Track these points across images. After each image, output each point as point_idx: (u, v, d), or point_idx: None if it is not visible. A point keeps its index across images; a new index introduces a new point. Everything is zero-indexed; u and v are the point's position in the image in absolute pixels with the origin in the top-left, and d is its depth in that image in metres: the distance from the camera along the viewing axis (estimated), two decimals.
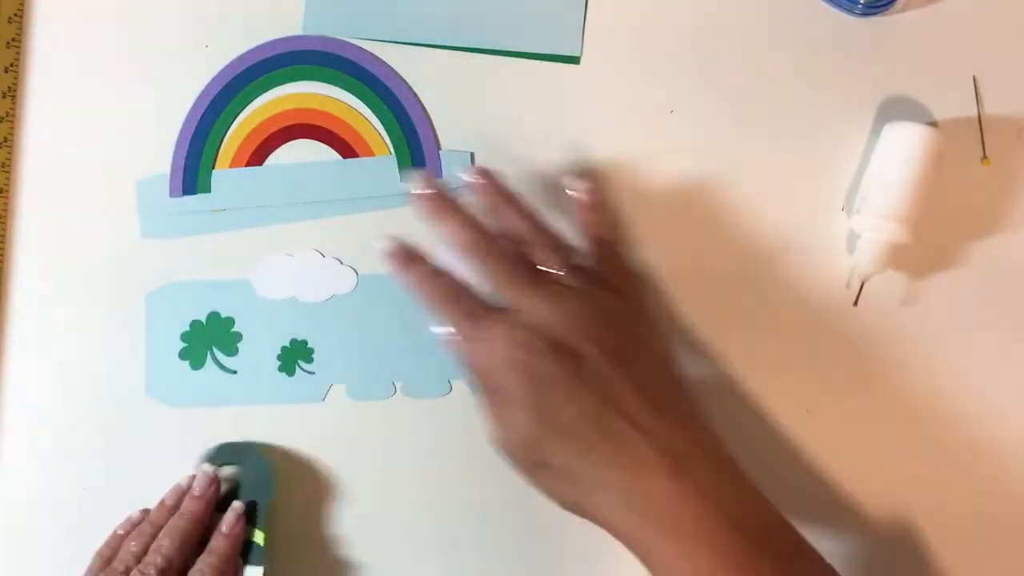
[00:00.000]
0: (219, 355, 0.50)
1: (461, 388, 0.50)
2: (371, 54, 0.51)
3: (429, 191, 0.45)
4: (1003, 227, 0.49)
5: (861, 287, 0.49)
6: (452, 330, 0.42)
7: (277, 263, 0.51)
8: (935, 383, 0.49)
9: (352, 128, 0.51)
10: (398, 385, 0.50)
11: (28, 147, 0.52)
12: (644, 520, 0.39)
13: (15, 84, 0.52)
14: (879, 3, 0.49)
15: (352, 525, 0.50)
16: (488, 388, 0.41)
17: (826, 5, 0.50)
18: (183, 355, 0.50)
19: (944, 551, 0.49)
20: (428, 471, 0.50)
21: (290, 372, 0.50)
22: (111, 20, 0.52)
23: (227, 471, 0.49)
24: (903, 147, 0.47)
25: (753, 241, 0.50)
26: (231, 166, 0.50)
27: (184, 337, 0.50)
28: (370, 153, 0.51)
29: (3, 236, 0.51)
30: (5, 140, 0.52)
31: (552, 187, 0.50)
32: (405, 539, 0.49)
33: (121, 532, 0.48)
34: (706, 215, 0.50)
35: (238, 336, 0.50)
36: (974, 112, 0.50)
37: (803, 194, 0.50)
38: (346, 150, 0.51)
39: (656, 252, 0.50)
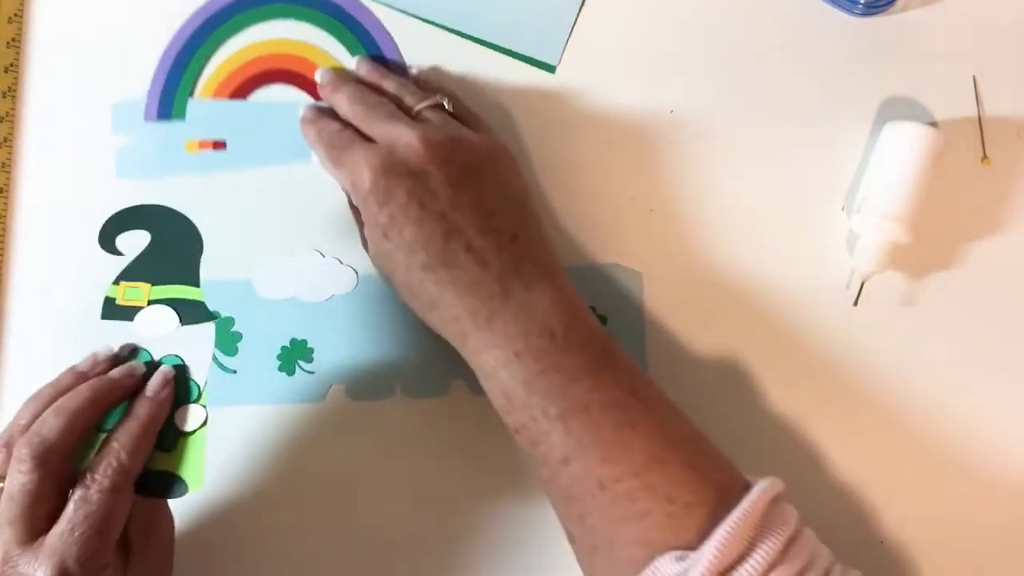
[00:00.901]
0: (219, 355, 0.50)
1: (460, 388, 0.50)
2: (359, 3, 0.52)
3: (328, 79, 0.50)
4: (1003, 227, 0.49)
5: (861, 287, 0.49)
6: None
7: (277, 263, 0.51)
8: (935, 383, 0.49)
9: None
10: (397, 385, 0.50)
11: (28, 147, 0.52)
12: (468, 332, 0.43)
13: (15, 84, 0.52)
14: (879, 3, 0.49)
15: (351, 524, 0.50)
16: (355, 209, 0.47)
17: (826, 5, 0.50)
18: None
19: (943, 550, 0.49)
20: (427, 471, 0.50)
21: (290, 372, 0.50)
22: (111, 19, 0.52)
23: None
24: (903, 147, 0.47)
25: (753, 241, 0.50)
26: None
27: None
28: None
29: (3, 236, 0.51)
30: (5, 140, 0.52)
31: None
32: (404, 538, 0.49)
33: (44, 395, 0.45)
34: (706, 215, 0.50)
35: (238, 336, 0.50)
36: (974, 112, 0.50)
37: (803, 194, 0.50)
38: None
39: (655, 252, 0.50)
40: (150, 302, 0.47)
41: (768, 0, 0.51)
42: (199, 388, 0.46)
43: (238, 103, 0.51)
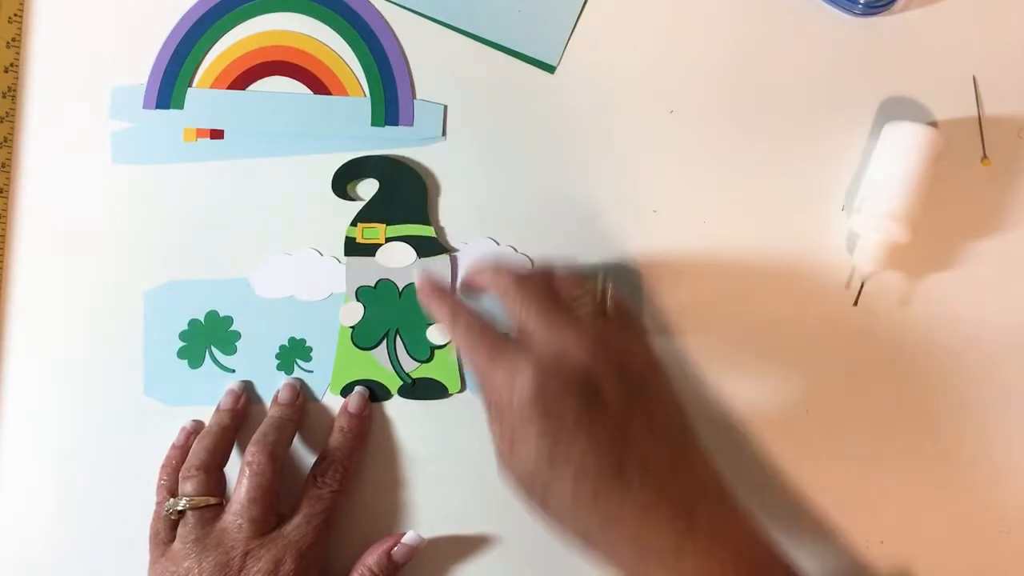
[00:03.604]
0: (218, 354, 0.50)
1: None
2: None
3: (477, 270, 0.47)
4: (1003, 227, 0.49)
5: (861, 287, 0.49)
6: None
7: (275, 262, 0.51)
8: (935, 383, 0.49)
9: (329, 69, 0.51)
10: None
11: (28, 147, 0.52)
12: (650, 558, 0.38)
13: (15, 84, 0.52)
14: (879, 3, 0.49)
15: (350, 525, 0.49)
16: (503, 416, 0.41)
17: (826, 5, 0.50)
18: (181, 354, 0.50)
19: (940, 550, 0.48)
20: (426, 471, 0.50)
21: (288, 371, 0.50)
22: (111, 10, 0.52)
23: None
24: (903, 147, 0.47)
25: (753, 241, 0.50)
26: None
27: (183, 336, 0.50)
28: (345, 94, 0.51)
29: (3, 236, 0.52)
30: (5, 140, 0.52)
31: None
32: None
33: (178, 443, 0.49)
34: (706, 216, 0.50)
35: (236, 335, 0.50)
36: (974, 112, 0.50)
37: (803, 194, 0.50)
38: (321, 90, 0.51)
39: (655, 252, 0.50)
40: (387, 239, 0.50)
41: (768, 0, 0.51)
42: None
43: (237, 93, 0.51)
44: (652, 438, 0.40)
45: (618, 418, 0.40)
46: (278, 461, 0.47)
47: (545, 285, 0.44)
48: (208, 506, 0.46)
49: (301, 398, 0.50)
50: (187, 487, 0.46)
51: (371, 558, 0.47)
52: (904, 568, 0.48)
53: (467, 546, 0.50)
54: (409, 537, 0.47)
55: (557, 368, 0.40)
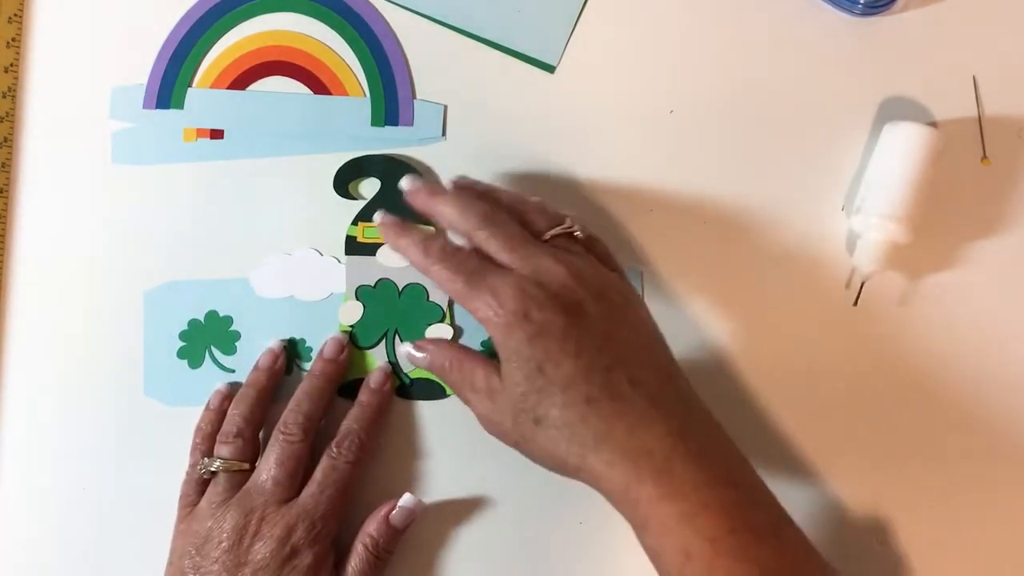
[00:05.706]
0: (217, 354, 0.50)
1: None
2: None
3: (420, 185, 0.46)
4: (1003, 227, 0.49)
5: (861, 287, 0.49)
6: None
7: (275, 262, 0.51)
8: (935, 383, 0.49)
9: (329, 69, 0.51)
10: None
11: (28, 147, 0.52)
12: (644, 475, 0.39)
13: (15, 84, 0.52)
14: (879, 3, 0.49)
15: (348, 525, 0.49)
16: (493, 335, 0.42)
17: (826, 5, 0.50)
18: (181, 354, 0.50)
19: (941, 551, 0.48)
20: (427, 472, 0.50)
21: (288, 371, 0.50)
22: (111, 10, 0.52)
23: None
24: (903, 147, 0.47)
25: (753, 241, 0.50)
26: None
27: (183, 336, 0.50)
28: (345, 94, 0.51)
29: (3, 236, 0.52)
30: (5, 140, 0.52)
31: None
32: (403, 539, 0.49)
33: (213, 406, 0.49)
34: (706, 216, 0.50)
35: (236, 335, 0.50)
36: (974, 112, 0.50)
37: (803, 194, 0.50)
38: (321, 90, 0.51)
39: (655, 252, 0.50)
40: None
41: (768, 0, 0.51)
42: (443, 310, 0.50)
43: (237, 93, 0.51)
44: (640, 352, 0.41)
45: (604, 331, 0.40)
46: (312, 429, 0.47)
47: (514, 222, 0.44)
48: (240, 471, 0.46)
49: (346, 353, 0.49)
50: (223, 451, 0.47)
51: (371, 525, 0.47)
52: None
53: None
54: (405, 499, 0.47)
55: (540, 294, 0.40)
